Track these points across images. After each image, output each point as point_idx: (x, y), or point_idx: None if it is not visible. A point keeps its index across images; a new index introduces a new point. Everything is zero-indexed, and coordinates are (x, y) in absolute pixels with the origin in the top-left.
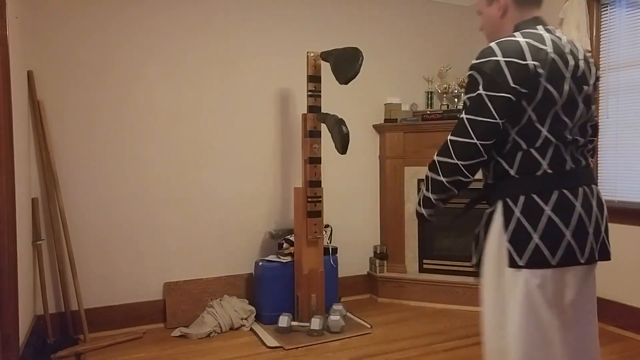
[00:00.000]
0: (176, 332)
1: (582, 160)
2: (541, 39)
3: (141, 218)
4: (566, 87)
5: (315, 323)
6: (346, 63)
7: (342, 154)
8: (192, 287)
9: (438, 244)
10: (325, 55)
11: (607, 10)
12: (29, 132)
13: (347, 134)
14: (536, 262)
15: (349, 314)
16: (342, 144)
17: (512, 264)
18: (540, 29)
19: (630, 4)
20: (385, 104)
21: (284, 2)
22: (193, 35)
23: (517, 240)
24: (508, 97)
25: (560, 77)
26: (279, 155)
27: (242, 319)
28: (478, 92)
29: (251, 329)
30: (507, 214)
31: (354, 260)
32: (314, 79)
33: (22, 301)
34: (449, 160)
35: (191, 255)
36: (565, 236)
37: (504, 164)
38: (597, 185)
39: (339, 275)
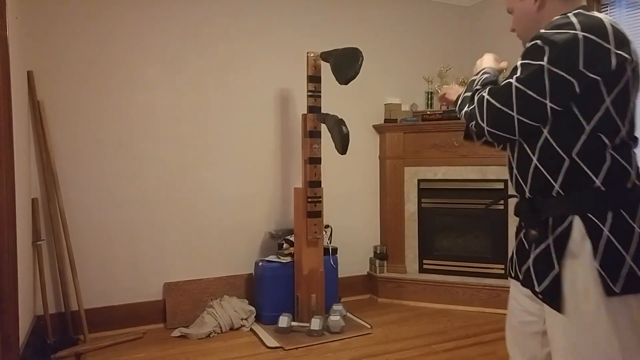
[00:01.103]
0: (176, 333)
1: None
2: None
3: (141, 218)
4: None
5: (315, 323)
6: (346, 63)
7: (342, 154)
8: (192, 287)
9: (438, 244)
10: (325, 56)
11: (607, 10)
12: (29, 132)
13: (347, 134)
14: (632, 286)
15: (349, 314)
16: (342, 144)
17: (609, 291)
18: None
19: (630, 4)
20: (385, 104)
21: (284, 2)
22: (193, 35)
23: (609, 263)
24: (572, 82)
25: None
26: (279, 155)
27: (242, 319)
28: (540, 62)
29: (251, 329)
30: (594, 233)
31: (354, 261)
32: (314, 79)
33: (22, 301)
34: (479, 122)
35: (191, 256)
36: None
37: (585, 168)
38: None
39: (339, 276)
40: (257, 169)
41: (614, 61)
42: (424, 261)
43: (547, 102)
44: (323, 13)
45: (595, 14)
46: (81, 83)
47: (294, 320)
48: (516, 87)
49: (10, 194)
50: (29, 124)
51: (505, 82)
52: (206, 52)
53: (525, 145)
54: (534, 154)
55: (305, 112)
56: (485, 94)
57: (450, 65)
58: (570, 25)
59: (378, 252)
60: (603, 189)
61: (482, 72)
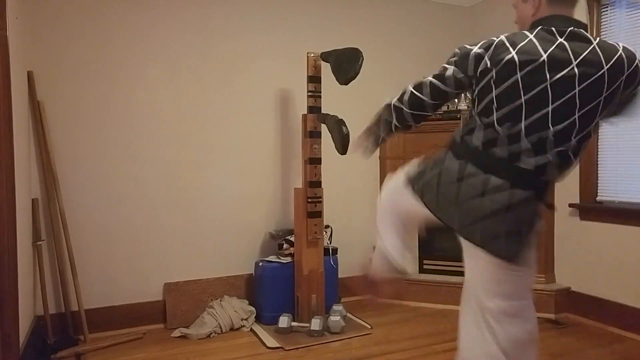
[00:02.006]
0: (176, 333)
1: None
2: (514, 42)
3: (141, 218)
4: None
5: (316, 324)
6: (346, 64)
7: (342, 154)
8: (192, 287)
9: (438, 245)
10: (325, 56)
11: (607, 10)
12: (29, 132)
13: (348, 135)
14: None
15: (349, 314)
16: (343, 144)
17: None
18: (539, 31)
19: (630, 4)
20: None
21: (284, 3)
22: (193, 36)
23: None
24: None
25: (508, 75)
26: (279, 155)
27: (242, 320)
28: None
29: (251, 330)
30: None
31: (354, 261)
32: (314, 79)
33: (22, 302)
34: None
35: (191, 256)
36: None
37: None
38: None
39: (339, 276)
40: (257, 169)
41: (482, 66)
42: (424, 261)
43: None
44: (323, 13)
45: (503, 35)
46: (81, 83)
47: (294, 321)
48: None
49: (10, 194)
50: (29, 124)
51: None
52: (206, 52)
53: None
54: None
55: (306, 113)
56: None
57: None
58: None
59: None
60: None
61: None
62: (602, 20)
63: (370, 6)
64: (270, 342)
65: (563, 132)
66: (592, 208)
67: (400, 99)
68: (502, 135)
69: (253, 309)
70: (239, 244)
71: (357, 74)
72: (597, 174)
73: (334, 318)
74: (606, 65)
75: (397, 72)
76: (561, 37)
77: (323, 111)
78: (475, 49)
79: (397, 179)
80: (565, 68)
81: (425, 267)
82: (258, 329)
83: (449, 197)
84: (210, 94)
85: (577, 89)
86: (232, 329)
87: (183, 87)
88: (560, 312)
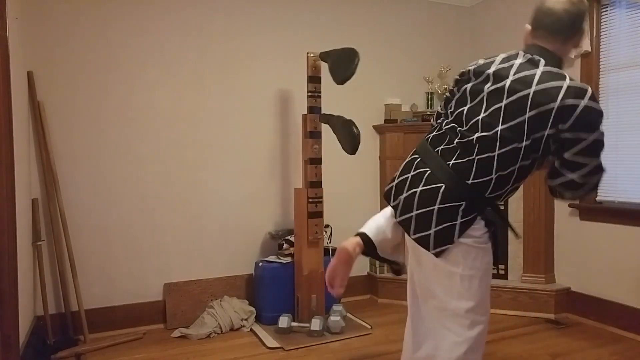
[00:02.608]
0: (176, 333)
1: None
2: (491, 61)
3: (141, 219)
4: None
5: (316, 324)
6: (343, 63)
7: (351, 154)
8: (192, 287)
9: None
10: (323, 56)
11: (607, 10)
12: (29, 132)
13: (359, 135)
14: None
15: (349, 314)
16: (353, 145)
17: None
18: (509, 55)
19: (630, 5)
20: (385, 105)
21: (284, 3)
22: (193, 36)
23: None
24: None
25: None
26: (279, 156)
27: (242, 320)
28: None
29: (251, 330)
30: None
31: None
32: (314, 79)
33: (22, 302)
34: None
35: (191, 256)
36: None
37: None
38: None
39: None
40: (257, 169)
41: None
42: None
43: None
44: (323, 13)
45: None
46: (81, 83)
47: (294, 321)
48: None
49: (10, 194)
50: (29, 124)
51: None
52: (206, 52)
53: None
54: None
55: (306, 113)
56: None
57: (450, 66)
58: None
59: None
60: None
61: None
62: (602, 20)
63: (370, 6)
64: (270, 342)
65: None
66: (592, 208)
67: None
68: None
69: (253, 309)
70: (239, 244)
71: (353, 73)
72: None
73: (334, 318)
74: (534, 88)
75: (397, 72)
76: (520, 59)
77: (323, 111)
78: None
79: None
80: (502, 81)
81: None
82: (258, 329)
83: None
84: (210, 94)
85: (504, 102)
86: (232, 329)
87: (183, 87)
88: (560, 312)
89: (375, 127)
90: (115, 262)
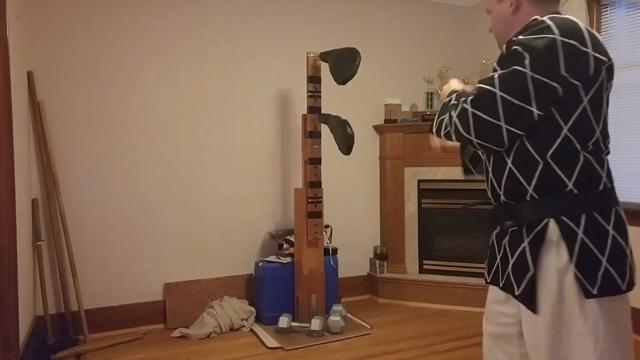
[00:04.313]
0: (176, 333)
1: None
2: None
3: (141, 219)
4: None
5: (316, 324)
6: (344, 63)
7: (346, 154)
8: (192, 287)
9: (438, 245)
10: (324, 56)
11: (607, 10)
12: (29, 132)
13: (352, 135)
14: (608, 288)
15: (349, 314)
16: (347, 145)
17: (587, 293)
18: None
19: (630, 5)
20: (385, 105)
21: (284, 2)
22: (193, 36)
23: (586, 265)
24: (555, 87)
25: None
26: (279, 156)
27: (242, 320)
28: (522, 69)
29: (251, 330)
30: (568, 235)
31: (354, 261)
32: (314, 79)
33: (22, 302)
34: (464, 134)
35: (191, 256)
36: (628, 257)
37: (558, 172)
38: None
39: (339, 276)
40: (257, 170)
41: (592, 64)
42: (424, 262)
43: (534, 109)
44: (323, 13)
45: (569, 17)
46: (81, 83)
47: (294, 321)
48: (501, 96)
49: (10, 194)
50: (29, 125)
51: (486, 90)
52: (206, 52)
53: (501, 149)
54: (508, 158)
55: (305, 113)
56: (468, 106)
57: (450, 66)
58: (548, 29)
59: (378, 252)
60: (576, 192)
61: (454, 93)
62: (602, 20)
63: (370, 6)
64: (270, 342)
65: None
66: None
67: None
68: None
69: (253, 309)
70: (239, 244)
71: (354, 73)
72: None
73: (334, 318)
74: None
75: (397, 72)
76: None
77: (323, 111)
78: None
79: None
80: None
81: (425, 267)
82: (258, 329)
83: None
84: (210, 94)
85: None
86: (232, 329)
87: (183, 87)
88: None
89: (375, 127)
90: (115, 262)
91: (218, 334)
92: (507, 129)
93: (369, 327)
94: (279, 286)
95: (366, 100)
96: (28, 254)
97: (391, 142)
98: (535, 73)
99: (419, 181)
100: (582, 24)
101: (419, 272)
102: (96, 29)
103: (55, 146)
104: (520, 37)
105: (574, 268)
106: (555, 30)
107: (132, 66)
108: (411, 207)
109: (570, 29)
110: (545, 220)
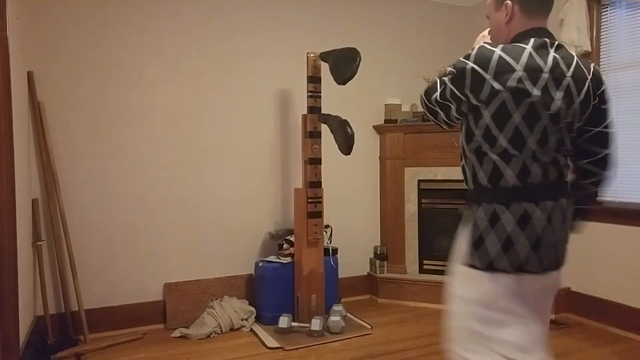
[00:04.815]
0: (176, 333)
1: (555, 172)
2: (517, 55)
3: (141, 219)
4: (528, 103)
5: (316, 324)
6: (344, 63)
7: (346, 154)
8: (192, 287)
9: (438, 245)
10: (324, 56)
11: (607, 10)
12: (29, 132)
13: (352, 135)
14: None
15: (349, 314)
16: (347, 145)
17: (474, 266)
18: (528, 43)
19: (630, 5)
20: (385, 105)
21: (284, 3)
22: (193, 36)
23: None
24: (462, 99)
25: (524, 94)
26: (279, 156)
27: (242, 320)
28: (445, 81)
29: (251, 330)
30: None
31: (354, 261)
32: (314, 79)
33: (22, 302)
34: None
35: (191, 256)
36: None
37: (480, 168)
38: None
39: (339, 276)
40: (257, 170)
41: (487, 89)
42: (424, 261)
43: (453, 107)
44: (323, 13)
45: (499, 49)
46: (81, 83)
47: (294, 321)
48: (435, 96)
49: (10, 194)
50: (29, 124)
51: (433, 85)
52: (206, 52)
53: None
54: (464, 153)
55: (306, 113)
56: (422, 92)
57: None
58: (468, 57)
59: (378, 252)
60: (489, 187)
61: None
62: (602, 21)
63: (370, 6)
64: (270, 342)
65: None
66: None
67: None
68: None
69: (253, 309)
70: (239, 244)
71: (354, 73)
72: None
73: (334, 318)
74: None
75: (397, 72)
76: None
77: (323, 111)
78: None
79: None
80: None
81: (425, 267)
82: (258, 329)
83: None
84: (210, 94)
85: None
86: (232, 329)
87: (183, 87)
88: (560, 312)
89: (375, 127)
90: (115, 262)
91: (218, 334)
92: (439, 112)
93: (369, 327)
94: (279, 286)
95: (366, 100)
96: (28, 254)
97: (391, 142)
98: (452, 85)
99: (419, 181)
100: (501, 52)
101: (419, 272)
102: (96, 29)
103: (55, 146)
104: (460, 57)
105: (468, 243)
106: (472, 58)
107: (133, 66)
108: (411, 207)
109: (481, 58)
110: (474, 207)
